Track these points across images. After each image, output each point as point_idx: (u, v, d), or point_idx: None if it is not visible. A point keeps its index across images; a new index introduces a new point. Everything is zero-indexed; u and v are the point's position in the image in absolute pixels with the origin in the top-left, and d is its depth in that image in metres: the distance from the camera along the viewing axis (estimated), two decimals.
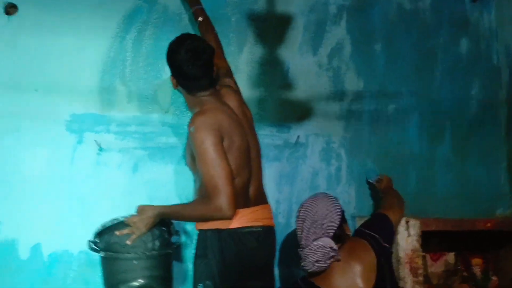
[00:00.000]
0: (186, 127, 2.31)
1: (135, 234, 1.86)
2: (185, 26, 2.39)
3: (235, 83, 2.20)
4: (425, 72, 2.63)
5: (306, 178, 2.43)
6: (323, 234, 1.81)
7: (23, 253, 2.14)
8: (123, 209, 2.21)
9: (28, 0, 2.27)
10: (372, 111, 2.54)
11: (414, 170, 2.55)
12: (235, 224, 1.91)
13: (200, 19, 2.26)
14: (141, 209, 1.90)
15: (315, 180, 2.44)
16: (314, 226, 1.82)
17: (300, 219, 1.88)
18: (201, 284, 1.92)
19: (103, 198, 2.23)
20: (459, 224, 2.23)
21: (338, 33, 2.54)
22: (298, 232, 1.88)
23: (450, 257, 2.51)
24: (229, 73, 2.21)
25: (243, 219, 1.93)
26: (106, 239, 1.87)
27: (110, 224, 1.89)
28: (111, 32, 2.32)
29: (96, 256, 2.06)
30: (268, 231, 2.00)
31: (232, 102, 2.03)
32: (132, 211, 2.19)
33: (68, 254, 2.17)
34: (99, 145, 2.25)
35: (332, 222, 1.83)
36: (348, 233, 1.92)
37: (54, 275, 2.13)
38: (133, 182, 2.27)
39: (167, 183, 2.29)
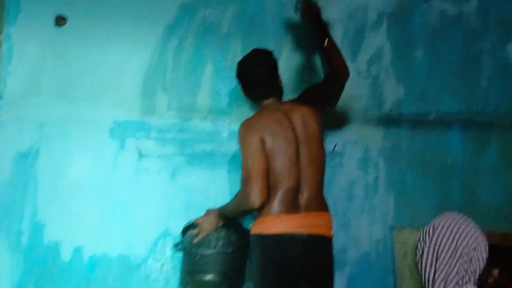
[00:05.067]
0: (223, 133, 2.19)
1: (202, 234, 1.90)
2: (224, 34, 2.27)
3: (321, 102, 2.03)
4: (469, 79, 2.34)
5: (343, 187, 2.23)
6: (468, 280, 1.17)
7: (65, 255, 2.08)
8: (162, 215, 2.13)
9: (77, 13, 2.22)
10: (412, 119, 2.29)
11: (458, 181, 2.28)
12: (276, 229, 1.79)
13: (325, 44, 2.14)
14: (207, 211, 1.95)
15: (352, 189, 2.22)
16: (455, 266, 1.16)
17: (429, 253, 1.19)
18: (246, 285, 1.86)
19: (142, 203, 2.16)
20: (506, 238, 1.92)
21: (377, 39, 2.31)
22: (425, 274, 1.19)
23: (495, 272, 2.19)
24: (323, 93, 2.07)
25: (285, 223, 1.79)
26: (185, 237, 1.97)
27: (188, 224, 1.97)
28: (153, 42, 2.25)
29: (134, 261, 2.08)
30: (318, 240, 1.82)
31: (295, 113, 1.90)
32: (170, 216, 2.10)
33: (107, 258, 2.09)
34: (139, 151, 2.13)
35: (479, 261, 1.18)
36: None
37: (94, 277, 2.07)
38: (172, 188, 2.18)
39: (204, 189, 2.17)
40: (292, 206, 1.81)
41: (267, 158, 1.81)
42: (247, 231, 1.91)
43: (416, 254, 1.24)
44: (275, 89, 1.97)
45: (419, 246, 1.23)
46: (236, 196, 1.87)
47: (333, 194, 2.20)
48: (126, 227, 2.09)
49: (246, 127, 1.88)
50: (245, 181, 1.79)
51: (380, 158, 2.25)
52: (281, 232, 1.77)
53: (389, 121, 2.27)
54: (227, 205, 1.91)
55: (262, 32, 2.27)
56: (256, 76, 1.94)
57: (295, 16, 2.26)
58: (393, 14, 2.32)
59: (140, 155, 2.16)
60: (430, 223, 1.25)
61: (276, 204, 1.79)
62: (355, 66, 2.28)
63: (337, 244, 2.13)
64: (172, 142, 2.19)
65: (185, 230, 1.98)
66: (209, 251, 1.90)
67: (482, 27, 2.37)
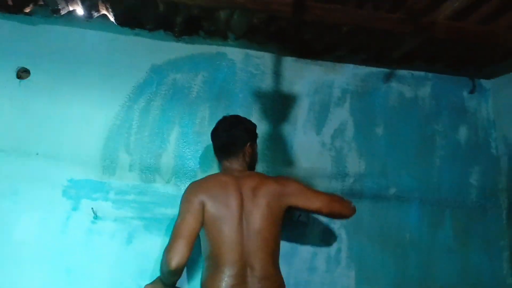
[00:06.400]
0: None
1: None
2: (193, 99, 2.27)
3: (293, 186, 1.89)
4: (425, 158, 2.46)
5: (305, 258, 2.18)
6: None
7: None
8: (113, 281, 1.98)
9: (41, 67, 2.15)
10: (373, 193, 2.34)
11: (414, 256, 2.32)
12: None
13: None
14: (156, 278, 1.79)
15: (314, 261, 2.18)
16: None
17: None
18: None
19: (93, 268, 2.01)
20: None
21: (341, 115, 2.40)
22: None
23: None
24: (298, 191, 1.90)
25: None
26: None
27: None
28: (119, 101, 2.21)
29: None
30: None
31: (248, 182, 1.84)
32: (122, 283, 1.96)
33: None
34: (95, 213, 2.01)
35: None
36: None
37: None
38: (125, 254, 2.05)
39: (160, 257, 2.00)
40: (240, 282, 1.69)
41: (205, 223, 1.73)
42: None
43: None
44: (238, 155, 1.91)
45: None
46: None
47: (295, 266, 2.17)
48: None
49: (189, 188, 1.82)
50: (169, 240, 1.69)
51: (343, 231, 2.25)
52: None
53: (351, 193, 2.30)
54: None
55: (231, 99, 2.30)
56: (218, 137, 1.93)
57: (264, 87, 2.34)
58: (356, 92, 2.45)
59: (95, 217, 2.03)
60: None
61: (222, 279, 1.68)
62: (320, 138, 2.35)
63: None
64: (131, 204, 2.09)
65: None
66: None
67: (435, 110, 2.54)
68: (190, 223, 1.70)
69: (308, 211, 1.92)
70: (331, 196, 1.94)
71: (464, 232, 2.39)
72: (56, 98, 2.14)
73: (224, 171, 1.93)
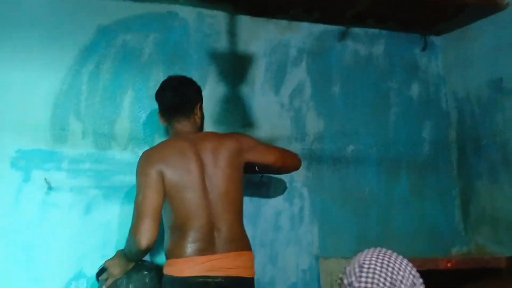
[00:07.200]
0: None
1: (110, 280, 1.71)
2: (145, 61, 2.19)
3: (248, 143, 1.91)
4: (380, 114, 2.53)
5: (269, 218, 2.20)
6: None
7: None
8: (74, 255, 1.92)
9: None
10: (332, 151, 2.39)
11: (374, 209, 2.41)
12: (189, 272, 1.66)
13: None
14: (117, 252, 1.77)
15: (279, 220, 2.20)
16: None
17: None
18: None
19: (52, 242, 1.92)
20: (423, 264, 2.03)
21: (298, 74, 2.41)
22: None
23: None
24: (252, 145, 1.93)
25: (199, 266, 1.66)
26: (99, 283, 1.76)
27: (101, 267, 1.76)
28: (65, 65, 2.07)
29: None
30: (235, 283, 1.69)
31: (206, 144, 1.81)
32: (84, 256, 1.90)
33: None
34: (48, 184, 1.92)
35: None
36: None
37: None
38: (86, 225, 1.98)
39: (122, 225, 1.98)
40: (207, 246, 1.69)
41: (167, 193, 1.69)
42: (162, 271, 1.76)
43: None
44: (190, 117, 1.86)
45: (345, 281, 1.17)
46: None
47: (260, 226, 2.19)
48: (33, 271, 1.84)
49: (144, 158, 1.74)
50: (133, 220, 1.65)
51: (305, 189, 2.29)
52: (194, 275, 1.64)
53: (311, 153, 2.34)
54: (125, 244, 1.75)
55: (186, 61, 2.23)
56: (169, 97, 1.86)
57: (220, 47, 2.29)
58: (312, 51, 2.45)
59: (49, 188, 1.94)
60: (353, 259, 1.20)
61: (189, 244, 1.68)
62: (279, 99, 2.34)
63: (265, 277, 2.11)
64: (87, 173, 2.01)
65: (99, 274, 1.77)
66: None
67: (389, 67, 2.60)
68: (153, 199, 1.66)
69: (263, 165, 1.95)
70: (282, 150, 2.03)
71: (419, 184, 2.51)
72: None
73: (176, 135, 1.86)
